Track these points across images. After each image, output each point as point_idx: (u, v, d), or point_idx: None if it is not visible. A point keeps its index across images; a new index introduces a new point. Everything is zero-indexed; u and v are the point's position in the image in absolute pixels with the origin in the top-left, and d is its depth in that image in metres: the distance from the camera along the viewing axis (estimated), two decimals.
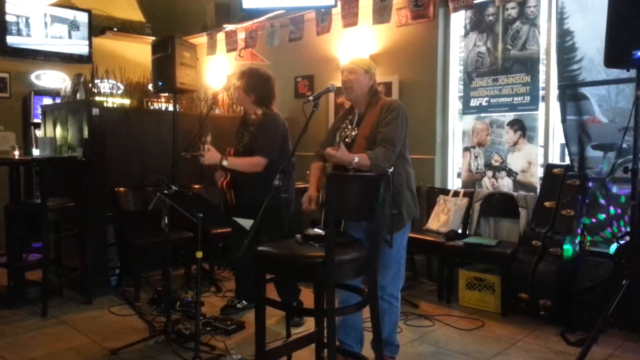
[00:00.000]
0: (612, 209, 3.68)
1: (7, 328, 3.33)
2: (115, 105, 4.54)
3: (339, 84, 2.71)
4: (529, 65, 4.02)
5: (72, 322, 3.45)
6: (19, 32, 5.79)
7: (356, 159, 2.38)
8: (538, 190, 3.93)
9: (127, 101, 4.69)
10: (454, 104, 4.52)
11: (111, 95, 4.56)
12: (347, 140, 2.49)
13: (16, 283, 3.84)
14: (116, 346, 2.98)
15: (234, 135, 3.56)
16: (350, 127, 2.52)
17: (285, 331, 2.70)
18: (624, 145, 3.33)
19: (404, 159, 2.62)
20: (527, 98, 4.03)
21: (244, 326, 3.28)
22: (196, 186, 4.57)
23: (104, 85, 4.57)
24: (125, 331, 3.27)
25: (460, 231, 4.09)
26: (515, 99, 4.10)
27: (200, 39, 6.22)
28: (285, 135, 3.40)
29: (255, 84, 3.37)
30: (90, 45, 6.32)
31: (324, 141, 2.77)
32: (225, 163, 3.13)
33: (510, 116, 4.16)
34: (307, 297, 3.49)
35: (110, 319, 3.51)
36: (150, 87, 4.55)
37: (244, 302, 3.63)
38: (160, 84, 3.52)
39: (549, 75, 3.97)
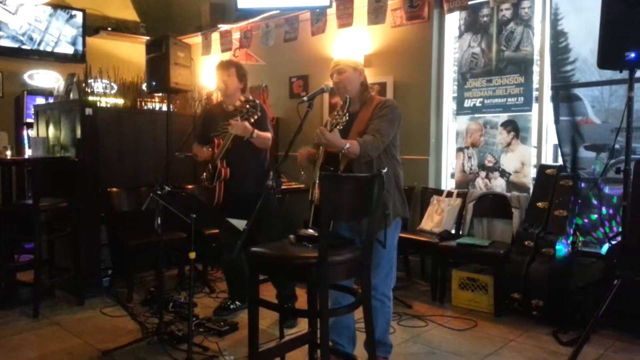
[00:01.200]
0: (604, 210, 3.70)
1: None
2: (108, 105, 4.52)
3: None
4: (523, 66, 4.03)
5: (63, 323, 3.43)
6: (11, 32, 5.75)
7: (347, 145, 2.38)
8: (531, 191, 3.94)
9: (120, 101, 4.68)
10: (448, 105, 4.53)
11: (105, 95, 4.54)
12: (338, 127, 2.45)
13: (7, 284, 3.82)
14: (108, 347, 2.96)
15: (211, 128, 3.50)
16: (341, 113, 2.50)
17: (278, 332, 2.70)
18: (617, 146, 3.35)
19: (394, 160, 2.62)
20: (521, 99, 4.05)
21: (237, 327, 3.27)
22: (190, 186, 4.55)
23: (98, 85, 4.56)
24: (117, 332, 3.26)
25: (453, 231, 4.10)
26: (509, 99, 4.11)
27: (195, 39, 6.21)
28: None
29: (245, 73, 3.52)
30: (84, 44, 6.28)
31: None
32: (255, 135, 3.24)
33: (503, 117, 4.17)
34: (300, 297, 3.49)
35: (103, 320, 3.50)
36: (144, 86, 4.53)
37: (236, 302, 3.63)
38: (154, 83, 3.52)
39: (542, 76, 3.98)
